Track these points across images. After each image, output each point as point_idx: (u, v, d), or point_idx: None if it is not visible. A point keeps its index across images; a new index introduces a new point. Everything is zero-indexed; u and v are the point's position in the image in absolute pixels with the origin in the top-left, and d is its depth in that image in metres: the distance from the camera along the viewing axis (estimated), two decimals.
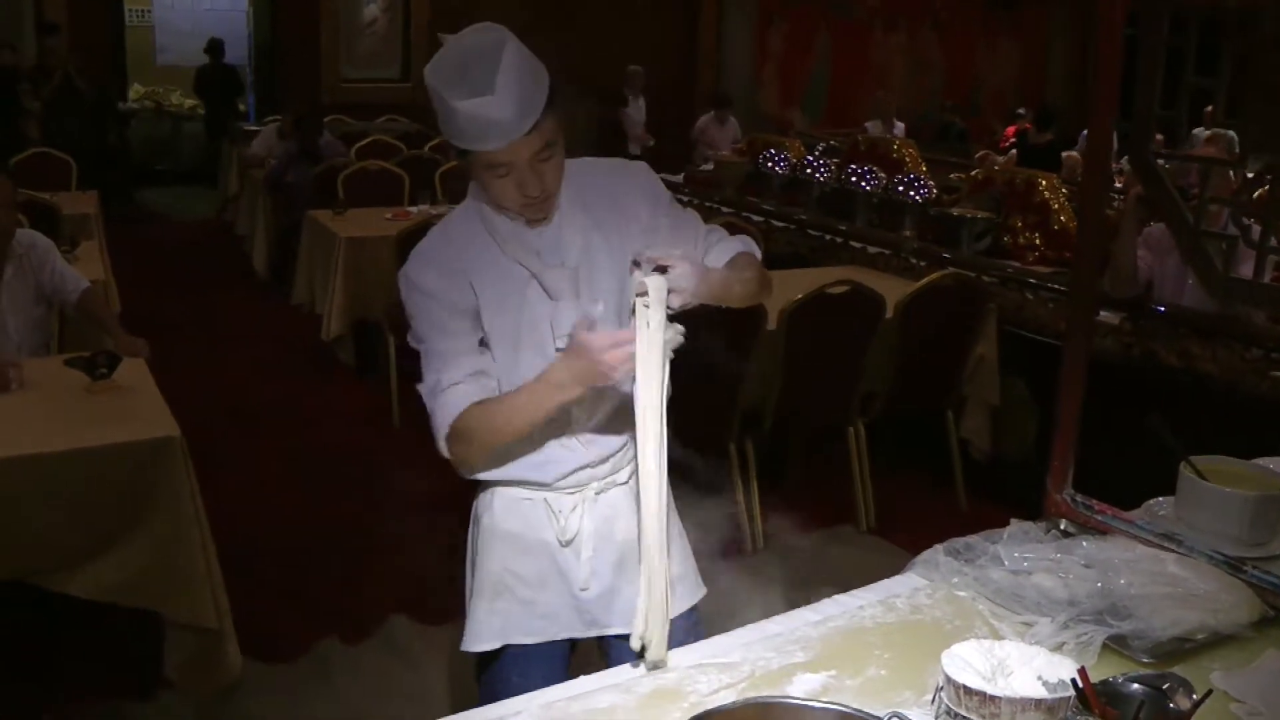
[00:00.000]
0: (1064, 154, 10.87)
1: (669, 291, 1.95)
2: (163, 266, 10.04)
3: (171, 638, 3.63)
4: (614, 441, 2.34)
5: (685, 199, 8.06)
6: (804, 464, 5.65)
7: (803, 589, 2.43)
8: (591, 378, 2.01)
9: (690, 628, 2.40)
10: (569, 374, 2.04)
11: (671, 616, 1.97)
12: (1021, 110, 15.34)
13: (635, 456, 2.01)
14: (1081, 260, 2.48)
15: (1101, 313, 4.98)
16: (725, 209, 7.47)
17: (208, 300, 9.03)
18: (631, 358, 1.93)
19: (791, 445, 5.58)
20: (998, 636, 1.93)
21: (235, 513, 5.06)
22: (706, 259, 2.29)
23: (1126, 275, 4.69)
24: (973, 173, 8.78)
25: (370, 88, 14.25)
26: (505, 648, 2.40)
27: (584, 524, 2.35)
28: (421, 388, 2.26)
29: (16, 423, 3.65)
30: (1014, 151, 13.49)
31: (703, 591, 2.50)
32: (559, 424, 2.25)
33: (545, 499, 2.35)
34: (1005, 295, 5.52)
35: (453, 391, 2.19)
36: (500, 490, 2.38)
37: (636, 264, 2.01)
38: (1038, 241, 7.37)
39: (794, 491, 5.51)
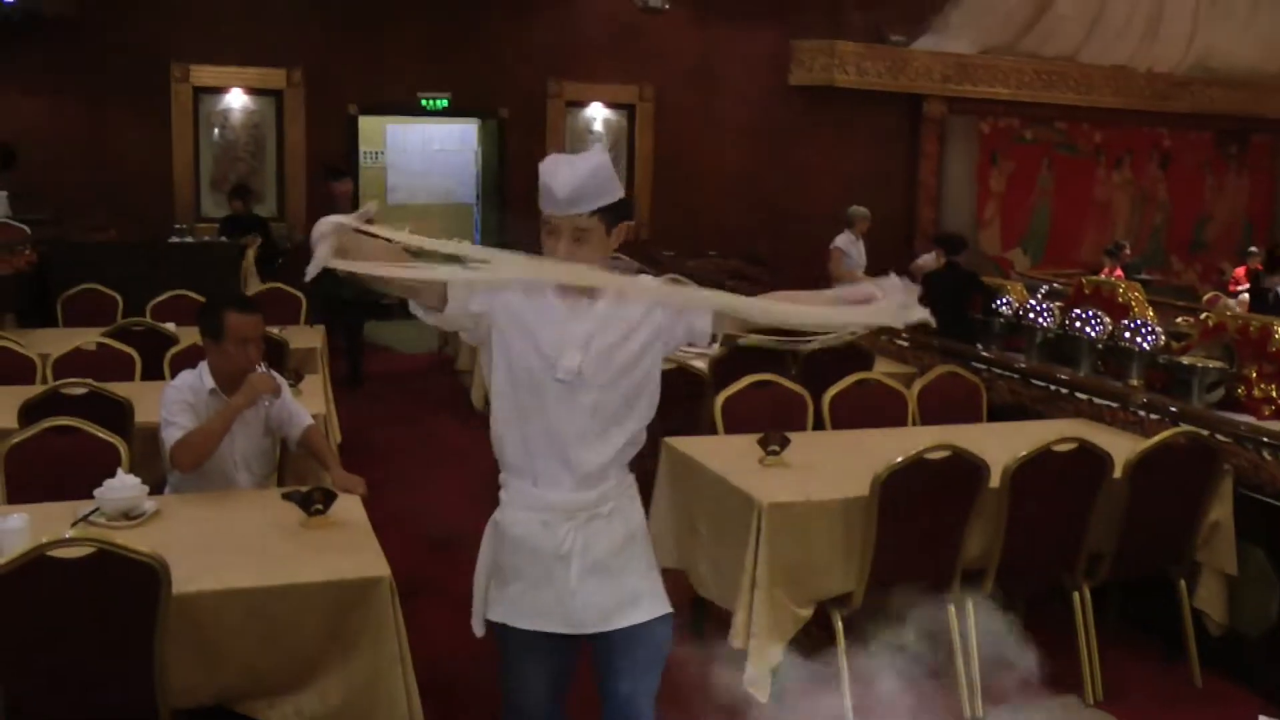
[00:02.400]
0: None
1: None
2: (384, 398, 10.31)
3: None
4: (604, 482, 3.07)
5: (902, 342, 7.91)
6: (1027, 628, 5.38)
7: None
8: None
9: (657, 644, 3.16)
10: None
11: (632, 623, 3.08)
12: (1253, 249, 14.76)
13: (615, 497, 3.07)
14: None
15: None
16: (947, 355, 7.27)
17: (424, 430, 9.20)
18: None
19: (1014, 607, 5.33)
20: None
21: (439, 645, 5.06)
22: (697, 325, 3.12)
23: None
24: (1203, 316, 8.42)
25: None
26: (504, 627, 3.13)
27: (575, 541, 3.03)
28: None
29: (232, 553, 3.74)
30: (1245, 295, 12.97)
31: (667, 610, 3.18)
32: (532, 450, 3.03)
33: (546, 520, 3.04)
34: (1241, 454, 5.19)
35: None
36: (517, 505, 3.09)
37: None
38: (1275, 394, 6.99)
39: (1016, 657, 5.24)
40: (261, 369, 4.59)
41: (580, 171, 2.91)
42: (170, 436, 4.41)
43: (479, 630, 3.24)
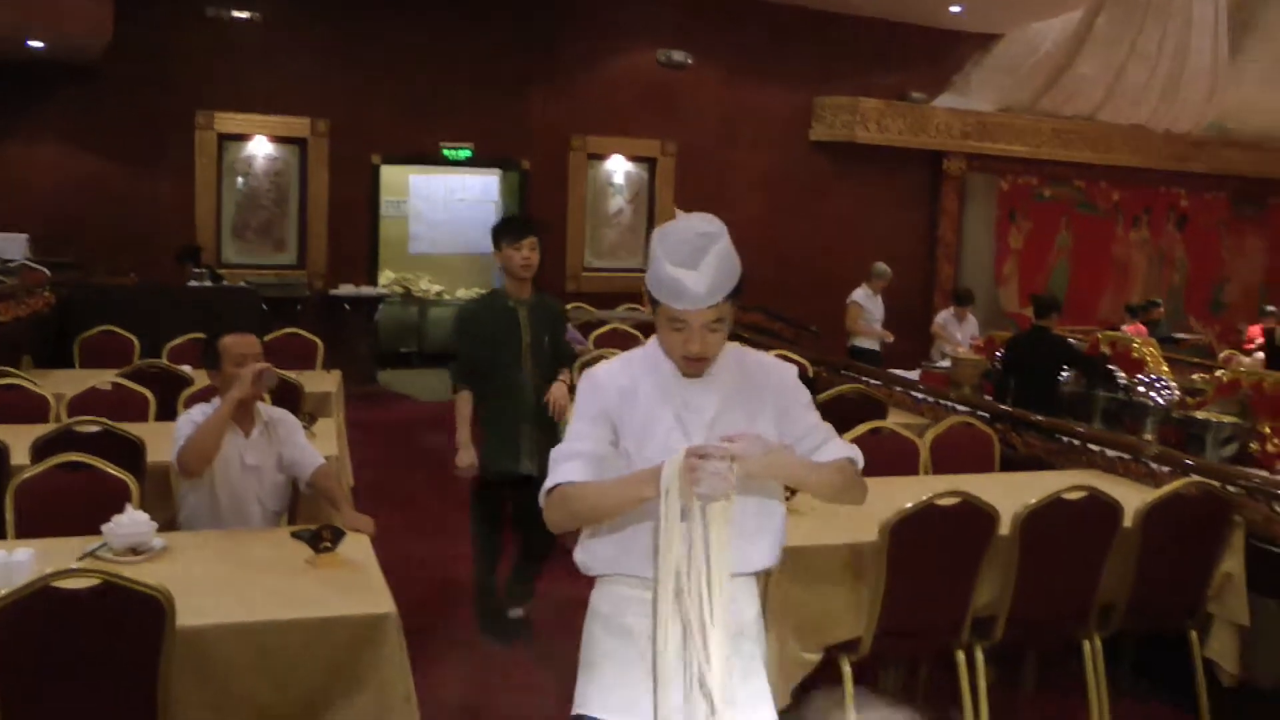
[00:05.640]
0: None
1: (732, 460, 2.49)
2: (398, 444, 10.34)
3: None
4: None
5: (920, 396, 7.91)
6: (1037, 677, 5.35)
7: None
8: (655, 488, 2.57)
9: None
10: (653, 475, 2.57)
11: None
12: (1271, 308, 14.76)
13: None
14: None
15: None
16: (960, 407, 7.26)
17: (438, 476, 9.19)
18: (710, 474, 2.46)
19: (1025, 656, 5.31)
20: None
21: (447, 687, 5.07)
22: (814, 455, 2.82)
23: None
24: (1217, 373, 8.44)
25: (612, 277, 14.62)
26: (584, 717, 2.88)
27: (674, 623, 2.68)
28: (554, 451, 2.81)
29: (238, 589, 3.74)
30: (1261, 354, 12.95)
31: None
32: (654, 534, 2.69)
33: (641, 596, 2.78)
34: (1253, 507, 5.16)
35: (572, 462, 2.74)
36: (609, 581, 2.89)
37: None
38: None
39: (1026, 706, 5.22)
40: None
41: (714, 259, 2.64)
42: (177, 449, 4.47)
43: None
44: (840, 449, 2.85)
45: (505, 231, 5.74)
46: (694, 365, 2.76)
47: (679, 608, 2.61)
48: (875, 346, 11.74)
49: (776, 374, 2.91)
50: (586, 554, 2.89)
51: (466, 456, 5.59)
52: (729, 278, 2.66)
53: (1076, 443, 6.34)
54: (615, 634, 2.86)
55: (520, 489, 5.47)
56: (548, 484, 2.75)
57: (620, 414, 2.79)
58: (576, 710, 2.92)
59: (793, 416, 2.85)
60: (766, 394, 2.84)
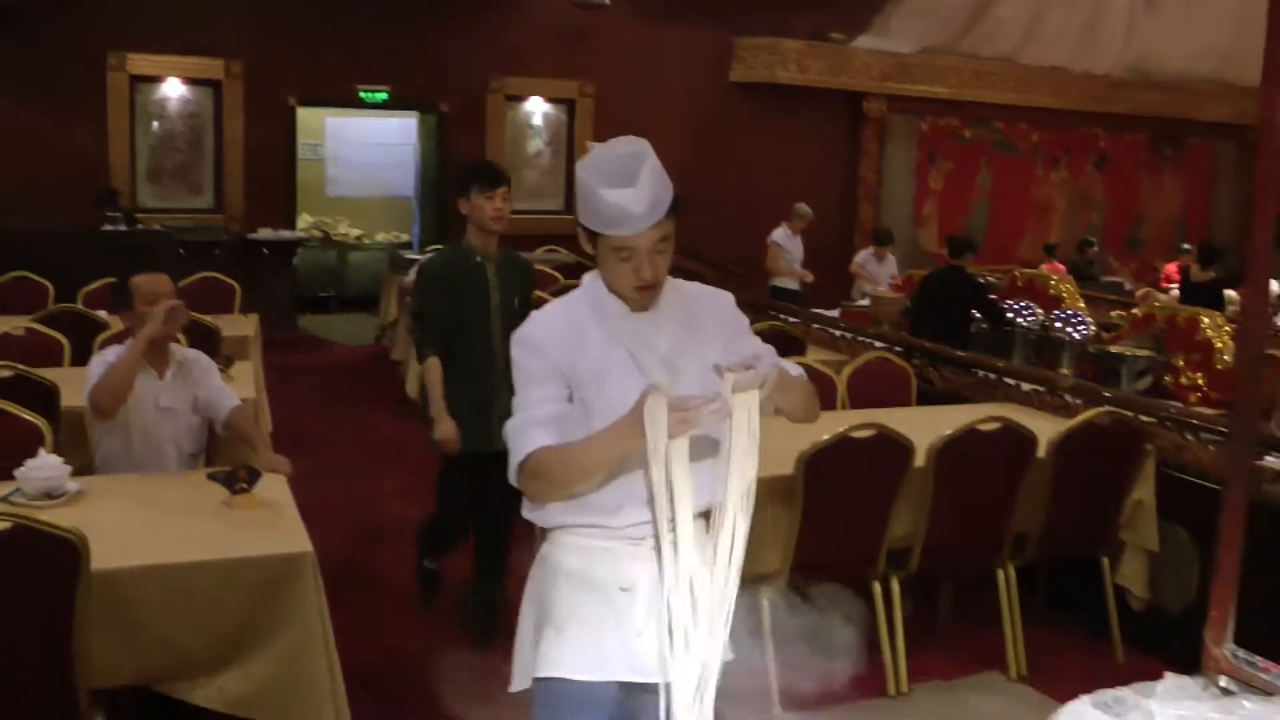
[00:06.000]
0: (1227, 292, 10.54)
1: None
2: (319, 389, 10.27)
3: None
4: None
5: (838, 333, 7.97)
6: (953, 606, 5.45)
7: None
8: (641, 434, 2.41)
9: None
10: (634, 425, 2.41)
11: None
12: (1186, 246, 15.04)
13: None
14: (1243, 400, 2.34)
15: (1268, 457, 4.74)
16: (878, 343, 7.34)
17: (360, 422, 9.17)
18: (710, 415, 2.38)
19: (940, 586, 5.40)
20: None
21: (366, 630, 5.06)
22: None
23: None
24: (1133, 310, 8.58)
25: (533, 219, 14.55)
26: (560, 681, 2.66)
27: (642, 572, 2.62)
28: (507, 424, 2.65)
29: (154, 532, 3.72)
30: (1176, 290, 13.18)
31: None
32: (632, 477, 2.58)
33: (607, 547, 2.66)
34: (1164, 436, 5.27)
35: (534, 430, 2.59)
36: (569, 533, 2.71)
37: (718, 371, 2.43)
38: (1200, 382, 7.13)
39: (942, 634, 5.31)
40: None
41: (649, 173, 2.50)
42: (90, 388, 4.41)
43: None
44: (792, 366, 2.74)
45: (476, 177, 5.06)
46: (646, 294, 2.61)
47: (675, 552, 2.47)
48: (795, 286, 11.78)
49: (718, 301, 2.81)
50: (540, 509, 2.71)
51: (447, 428, 4.96)
52: (667, 191, 2.53)
53: (993, 377, 6.43)
54: (584, 589, 2.68)
55: (490, 468, 4.31)
56: (517, 459, 2.59)
57: (571, 364, 2.63)
58: (544, 674, 2.69)
59: (740, 342, 2.72)
60: (711, 323, 2.74)
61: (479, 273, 5.04)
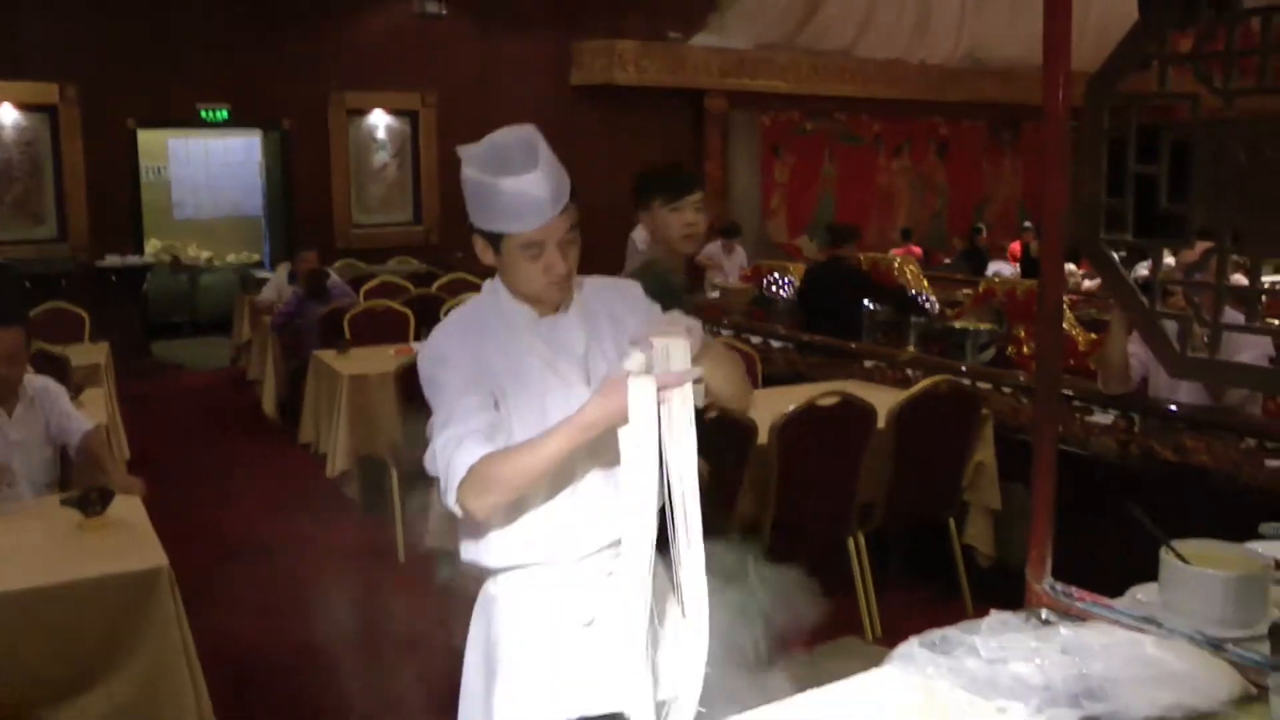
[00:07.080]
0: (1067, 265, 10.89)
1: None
2: (175, 414, 10.13)
3: None
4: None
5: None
6: (806, 577, 5.58)
7: None
8: (621, 417, 2.09)
9: None
10: (601, 412, 2.13)
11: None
12: (1027, 224, 15.52)
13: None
14: (1043, 352, 2.48)
15: (1097, 411, 4.96)
16: (724, 331, 7.49)
17: (218, 445, 9.06)
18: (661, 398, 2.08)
19: (792, 558, 5.53)
20: None
21: (234, 647, 5.03)
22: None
23: (1118, 373, 4.66)
24: (979, 287, 8.85)
25: (381, 232, 14.49)
26: None
27: (602, 603, 2.39)
28: (432, 447, 2.35)
29: (5, 559, 3.66)
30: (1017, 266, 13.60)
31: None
32: (581, 503, 2.38)
33: (565, 580, 2.42)
34: (1001, 401, 5.50)
35: (469, 441, 2.28)
36: (518, 572, 2.44)
37: (634, 343, 2.18)
38: None
39: (797, 604, 5.43)
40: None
41: (546, 155, 2.32)
42: None
43: None
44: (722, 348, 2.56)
45: (659, 188, 3.98)
46: (561, 290, 2.41)
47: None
48: None
49: (626, 292, 2.62)
50: (482, 549, 2.44)
51: None
52: (565, 176, 2.35)
53: (839, 358, 6.61)
54: (538, 628, 2.43)
55: None
56: (455, 478, 2.26)
57: (490, 373, 2.39)
58: None
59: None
60: (625, 314, 2.53)
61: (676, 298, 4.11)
